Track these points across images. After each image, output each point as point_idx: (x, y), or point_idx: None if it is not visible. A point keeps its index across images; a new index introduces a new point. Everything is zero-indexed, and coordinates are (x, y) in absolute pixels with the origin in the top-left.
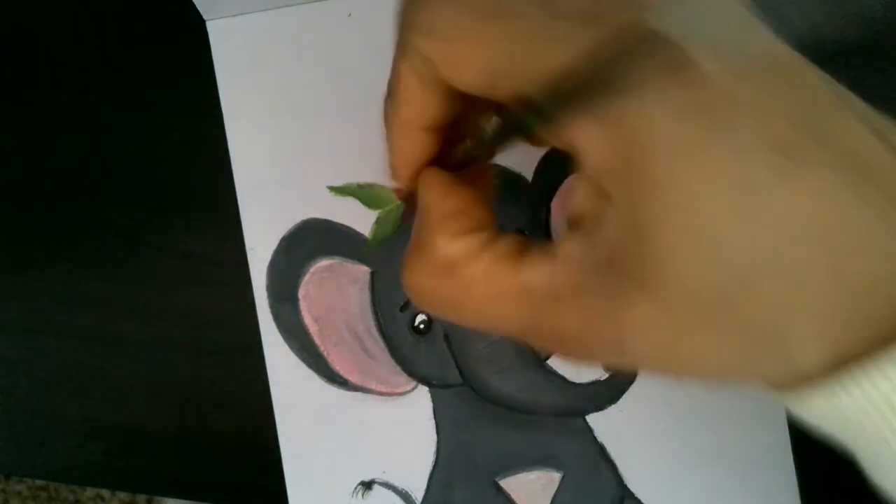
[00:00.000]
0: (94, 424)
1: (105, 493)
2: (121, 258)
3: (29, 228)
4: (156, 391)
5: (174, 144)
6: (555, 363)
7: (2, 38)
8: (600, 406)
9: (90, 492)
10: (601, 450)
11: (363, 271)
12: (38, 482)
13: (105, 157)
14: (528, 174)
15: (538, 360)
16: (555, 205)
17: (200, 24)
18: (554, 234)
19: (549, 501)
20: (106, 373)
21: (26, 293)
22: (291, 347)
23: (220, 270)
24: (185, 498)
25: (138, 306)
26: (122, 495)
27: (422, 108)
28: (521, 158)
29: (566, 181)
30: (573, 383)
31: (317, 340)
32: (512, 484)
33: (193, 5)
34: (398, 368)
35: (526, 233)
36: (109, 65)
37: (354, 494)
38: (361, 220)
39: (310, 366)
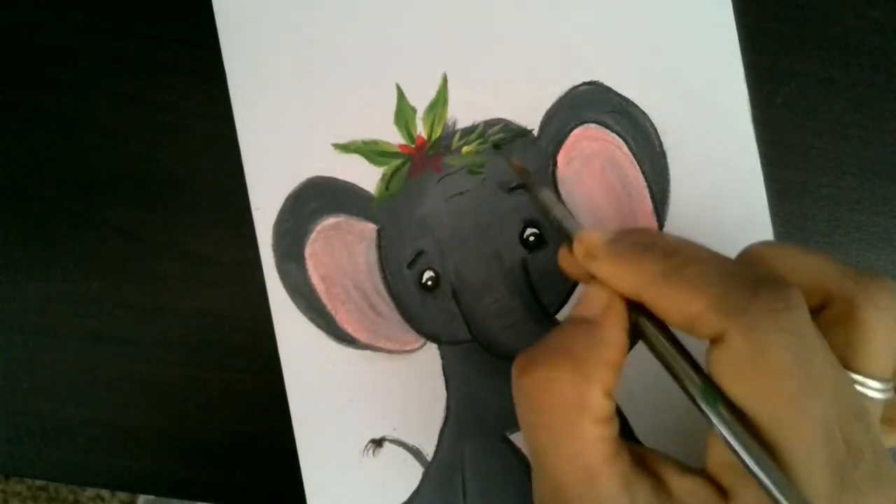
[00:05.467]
0: (94, 424)
1: (105, 493)
2: (121, 258)
3: (29, 228)
4: (156, 391)
5: (174, 143)
6: (564, 317)
7: (1, 38)
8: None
9: (90, 492)
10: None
11: (370, 229)
12: (38, 482)
13: (105, 154)
14: (535, 128)
15: (547, 315)
16: (561, 157)
17: None
18: (560, 187)
19: None
20: (106, 373)
21: (26, 293)
22: (299, 306)
23: (221, 270)
24: (185, 498)
25: (138, 306)
26: (122, 495)
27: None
28: (526, 111)
29: (573, 134)
30: None
31: (324, 299)
32: (522, 438)
33: None
34: (406, 326)
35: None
36: (109, 57)
37: (365, 452)
38: (367, 177)
39: (318, 325)
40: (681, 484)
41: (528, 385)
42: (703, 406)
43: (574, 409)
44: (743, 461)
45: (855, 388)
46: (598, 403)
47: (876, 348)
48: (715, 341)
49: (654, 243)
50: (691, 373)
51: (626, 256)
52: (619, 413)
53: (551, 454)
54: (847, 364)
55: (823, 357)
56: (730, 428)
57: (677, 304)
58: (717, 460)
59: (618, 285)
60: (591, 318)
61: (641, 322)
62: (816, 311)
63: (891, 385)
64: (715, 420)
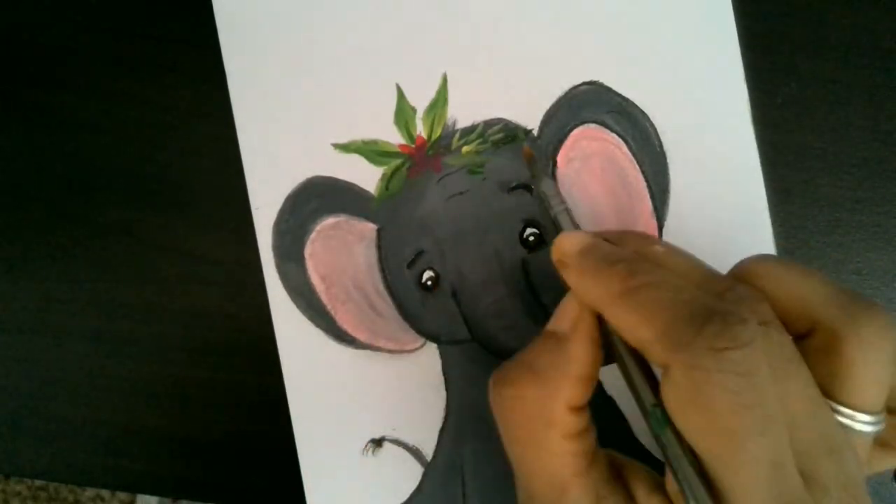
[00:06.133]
0: (94, 424)
1: (105, 493)
2: (121, 258)
3: (29, 228)
4: (156, 391)
5: (174, 143)
6: None
7: (1, 38)
8: (609, 360)
9: (90, 492)
10: (611, 403)
11: (369, 228)
12: (38, 482)
13: (105, 154)
14: (535, 128)
15: (547, 315)
16: (561, 157)
17: None
18: (560, 188)
19: None
20: (106, 373)
21: (26, 293)
22: (299, 306)
23: (221, 270)
24: (185, 498)
25: (138, 306)
26: (122, 495)
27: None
28: (526, 111)
29: (572, 134)
30: None
31: (324, 299)
32: None
33: None
34: (406, 325)
35: (532, 187)
36: (109, 57)
37: (365, 452)
38: (367, 177)
39: (318, 325)
40: (648, 502)
41: (498, 402)
42: (652, 429)
43: (541, 424)
44: (682, 489)
45: (833, 422)
46: (565, 419)
47: (861, 382)
48: (664, 371)
49: (620, 259)
50: (649, 395)
51: (590, 271)
52: (618, 412)
53: (525, 466)
54: (831, 395)
55: (777, 394)
56: (671, 455)
57: (630, 327)
58: (671, 485)
59: (583, 298)
60: (559, 333)
61: (613, 337)
62: (803, 337)
63: (880, 417)
64: (661, 444)
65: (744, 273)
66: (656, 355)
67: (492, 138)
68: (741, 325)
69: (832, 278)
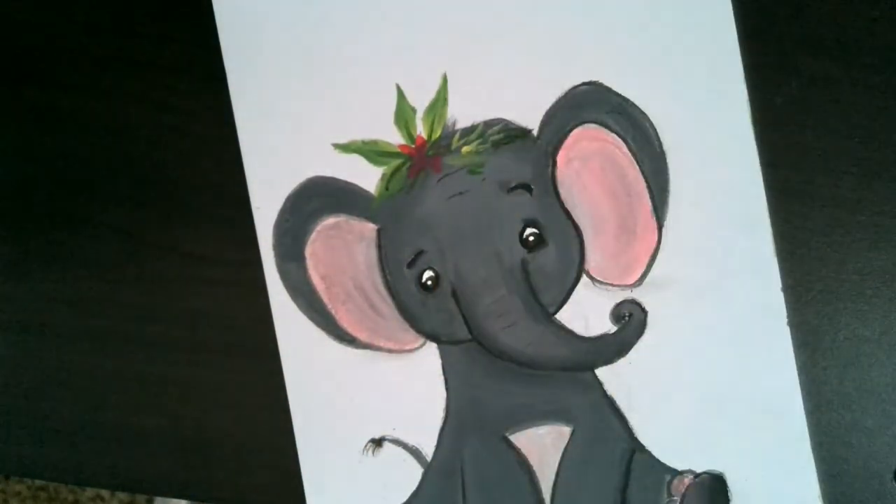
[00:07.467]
0: (94, 424)
1: (105, 493)
2: (121, 258)
3: (29, 228)
4: (156, 391)
5: (174, 143)
6: (563, 317)
7: (2, 38)
8: (609, 359)
9: (90, 492)
10: (611, 403)
11: (370, 228)
12: (38, 482)
13: (105, 154)
14: (535, 128)
15: (546, 315)
16: (561, 157)
17: None
18: (560, 188)
19: (560, 455)
20: (106, 373)
21: (26, 293)
22: (299, 306)
23: (221, 270)
24: (185, 498)
25: (138, 306)
26: (122, 495)
27: None
28: (526, 111)
29: (572, 134)
30: (582, 337)
31: (324, 299)
32: (522, 438)
33: None
34: (406, 325)
35: (532, 187)
36: (110, 57)
37: (365, 452)
38: (367, 177)
39: (318, 324)
40: None
41: None
42: None
43: None
44: None
45: None
46: None
47: None
48: None
49: None
50: None
51: None
52: (617, 412)
53: None
54: None
55: None
56: None
57: None
58: None
59: None
60: None
61: None
62: None
63: None
64: None
65: None
66: None
67: (492, 138)
68: None
69: (832, 278)
